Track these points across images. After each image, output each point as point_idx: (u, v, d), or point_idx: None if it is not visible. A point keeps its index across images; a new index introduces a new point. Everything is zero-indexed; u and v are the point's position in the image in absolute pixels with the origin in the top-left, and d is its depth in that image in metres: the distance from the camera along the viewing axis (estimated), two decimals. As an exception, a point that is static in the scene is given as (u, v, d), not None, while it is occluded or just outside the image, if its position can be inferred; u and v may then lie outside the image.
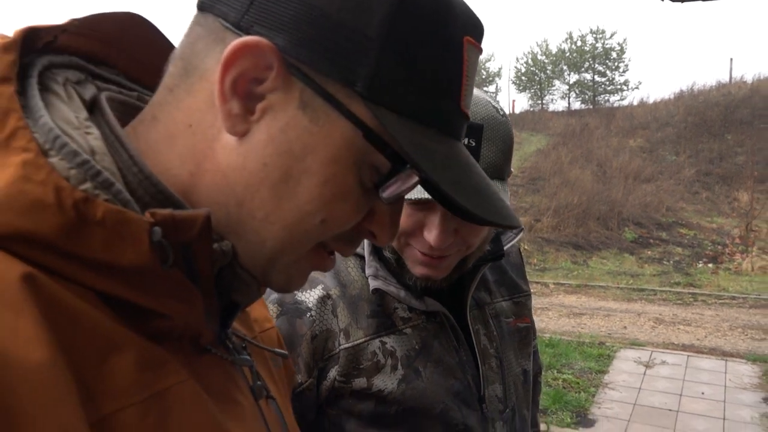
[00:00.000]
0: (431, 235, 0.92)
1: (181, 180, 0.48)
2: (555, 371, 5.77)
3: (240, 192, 0.47)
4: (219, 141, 0.47)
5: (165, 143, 0.48)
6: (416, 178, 0.49)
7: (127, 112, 0.53)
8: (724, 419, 4.76)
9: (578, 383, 5.50)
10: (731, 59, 24.60)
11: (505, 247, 1.11)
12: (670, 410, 4.94)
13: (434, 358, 1.01)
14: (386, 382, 0.97)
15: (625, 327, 7.45)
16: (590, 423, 4.76)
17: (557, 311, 8.30)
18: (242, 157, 0.46)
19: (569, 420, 4.75)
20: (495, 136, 0.93)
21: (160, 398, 0.42)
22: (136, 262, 0.41)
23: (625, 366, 6.00)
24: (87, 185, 0.41)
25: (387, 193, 0.49)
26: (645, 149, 17.62)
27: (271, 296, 0.98)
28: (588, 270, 11.19)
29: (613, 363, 6.07)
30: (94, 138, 0.44)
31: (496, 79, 29.88)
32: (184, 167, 0.48)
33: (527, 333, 1.19)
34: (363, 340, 0.98)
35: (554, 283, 10.06)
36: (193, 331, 0.48)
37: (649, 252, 12.01)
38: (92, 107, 0.49)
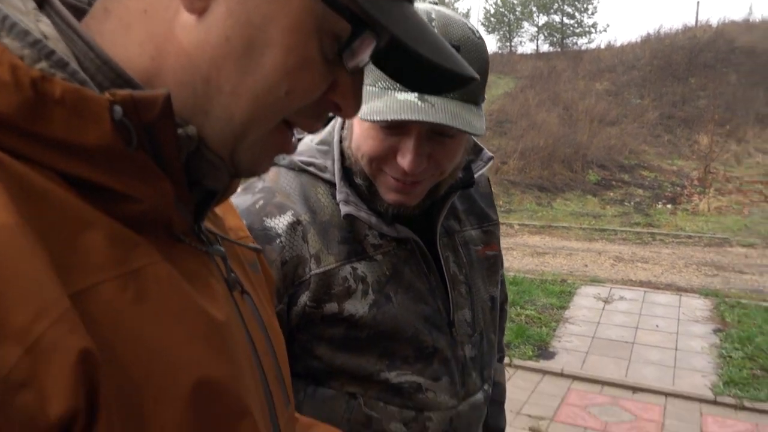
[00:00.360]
0: (405, 159, 0.91)
1: (144, 66, 0.47)
2: (518, 308, 5.95)
3: (205, 68, 0.47)
4: (178, 21, 0.46)
5: (121, 32, 0.47)
6: (375, 42, 0.49)
7: (79, 18, 0.51)
8: (676, 350, 5.02)
9: (540, 318, 5.70)
10: (698, 2, 24.66)
11: (475, 175, 1.11)
12: (626, 342, 5.18)
13: (405, 284, 1.02)
14: (357, 306, 0.97)
15: (586, 265, 7.70)
16: (551, 355, 4.96)
17: (521, 251, 8.50)
18: (203, 34, 0.46)
19: (531, 353, 4.94)
20: (471, 58, 0.91)
21: (136, 276, 0.42)
22: (100, 142, 0.41)
23: (585, 302, 6.23)
24: (42, 64, 0.40)
25: (349, 58, 0.50)
26: (611, 92, 17.75)
27: None
28: (552, 211, 11.42)
29: (573, 299, 6.30)
30: (45, 25, 0.43)
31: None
32: (145, 53, 0.47)
33: (495, 261, 1.20)
34: (334, 265, 0.97)
35: (519, 224, 10.26)
36: (164, 218, 0.47)
37: (611, 193, 12.29)
38: (42, 3, 0.47)
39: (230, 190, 0.57)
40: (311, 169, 1.03)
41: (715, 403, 4.12)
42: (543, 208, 11.66)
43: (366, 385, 1.00)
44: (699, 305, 6.05)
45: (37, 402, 0.34)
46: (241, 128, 0.49)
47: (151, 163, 0.44)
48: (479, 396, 1.09)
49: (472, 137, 1.08)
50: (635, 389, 4.32)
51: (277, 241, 0.96)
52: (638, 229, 9.70)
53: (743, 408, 4.03)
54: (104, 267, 0.40)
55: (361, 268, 0.99)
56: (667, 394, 4.24)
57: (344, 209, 0.97)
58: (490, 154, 1.16)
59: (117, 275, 0.41)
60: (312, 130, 0.55)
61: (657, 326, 5.51)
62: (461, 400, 1.05)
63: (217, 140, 0.49)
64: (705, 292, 6.40)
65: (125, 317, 0.41)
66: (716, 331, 5.38)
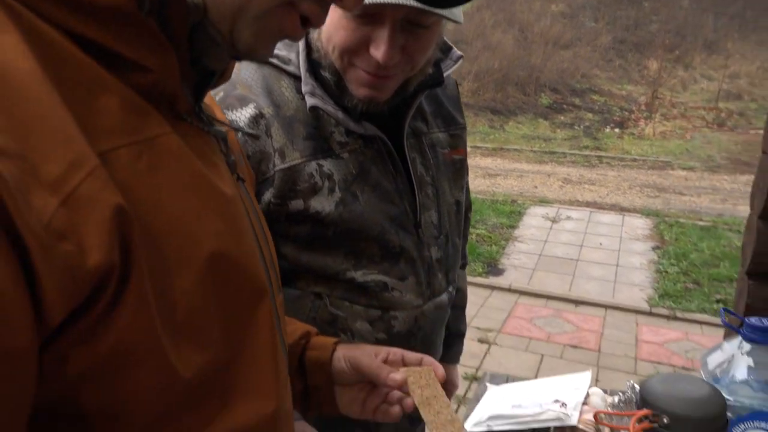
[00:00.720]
0: (379, 51, 0.87)
1: None
2: (470, 227, 6.08)
3: None
4: None
5: None
6: None
7: None
8: (617, 266, 5.28)
9: (491, 237, 5.85)
10: None
11: (444, 74, 1.07)
12: (571, 259, 5.41)
13: (371, 183, 0.99)
14: (323, 204, 0.95)
15: (535, 186, 7.87)
16: (499, 272, 5.14)
17: (474, 172, 8.58)
18: None
19: (481, 270, 5.10)
20: None
21: (149, 145, 0.42)
22: (113, 2, 0.40)
23: (533, 221, 6.42)
24: None
25: None
26: (566, 14, 17.58)
27: None
28: (504, 134, 11.51)
29: (523, 219, 6.47)
30: None
31: (422, -69, 28.08)
32: None
33: (461, 165, 1.19)
34: (299, 161, 0.94)
35: (471, 146, 10.31)
36: (169, 94, 0.46)
37: (562, 117, 12.43)
38: None
39: (227, 73, 0.56)
40: (274, 60, 0.97)
41: (650, 314, 4.39)
42: (495, 130, 11.72)
43: (332, 284, 0.99)
44: (640, 224, 6.33)
45: (77, 253, 0.34)
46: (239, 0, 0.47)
47: (160, 33, 0.43)
48: (444, 297, 1.11)
49: (443, 37, 1.03)
50: (578, 302, 4.54)
51: (239, 134, 0.91)
52: (586, 152, 9.92)
53: (675, 318, 4.32)
54: (119, 133, 0.40)
55: (327, 165, 0.96)
56: (606, 307, 4.48)
57: (310, 101, 0.92)
58: (459, 53, 1.12)
59: (131, 142, 0.40)
60: (317, 22, 0.52)
61: (600, 244, 5.75)
62: (426, 300, 1.06)
63: (217, 13, 0.47)
64: (646, 212, 6.68)
65: (142, 185, 0.40)
66: (655, 248, 5.66)
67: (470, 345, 3.81)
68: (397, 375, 0.77)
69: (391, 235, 1.00)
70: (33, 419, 0.36)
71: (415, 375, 0.79)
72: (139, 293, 0.38)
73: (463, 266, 1.35)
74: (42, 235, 0.32)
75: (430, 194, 1.08)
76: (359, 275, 0.99)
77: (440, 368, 0.82)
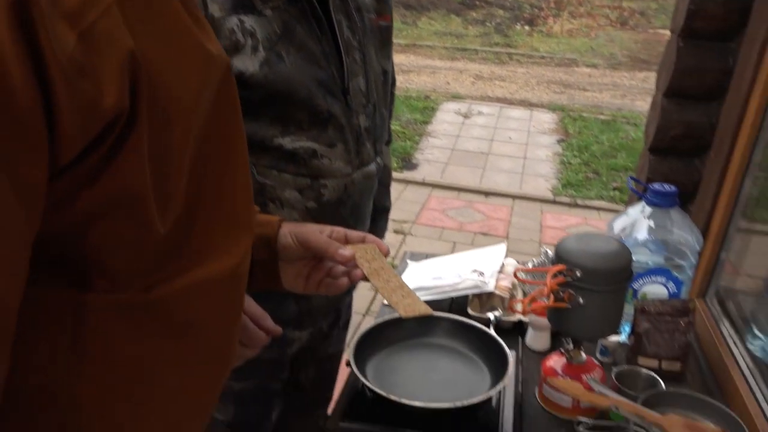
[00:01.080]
0: None
1: None
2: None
3: None
4: None
5: None
6: None
7: None
8: (525, 158, 5.50)
9: (405, 133, 5.88)
10: None
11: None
12: (482, 153, 5.57)
13: (297, 44, 0.94)
14: (247, 63, 0.89)
15: (448, 83, 7.89)
16: (413, 166, 5.22)
17: (387, 68, 8.45)
18: None
19: (395, 165, 5.15)
20: None
21: None
22: None
23: (446, 117, 6.49)
24: None
25: None
26: None
27: None
28: (417, 30, 11.29)
29: (436, 114, 6.53)
30: None
31: None
32: None
33: (388, 33, 1.16)
34: (218, 15, 0.87)
35: (384, 42, 10.08)
36: None
37: (474, 14, 12.31)
38: None
39: None
40: None
41: (554, 202, 4.66)
42: (408, 26, 11.47)
43: (259, 153, 0.96)
44: (547, 119, 6.56)
45: (94, 92, 0.34)
46: None
47: None
48: (372, 167, 1.10)
49: None
50: (488, 194, 4.74)
51: None
52: (497, 49, 9.98)
53: (576, 205, 4.62)
54: None
55: (249, 21, 0.89)
56: (514, 197, 4.71)
57: None
58: None
59: None
60: None
61: (510, 138, 5.94)
62: (355, 168, 1.05)
63: None
64: (553, 107, 6.92)
65: (138, 33, 0.37)
66: (560, 141, 5.93)
67: (386, 236, 3.93)
68: (345, 250, 0.79)
69: (318, 100, 0.97)
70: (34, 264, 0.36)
71: (361, 251, 0.82)
72: (138, 142, 0.38)
73: (388, 143, 1.35)
74: (66, 68, 0.31)
75: (358, 60, 1.04)
76: (287, 142, 0.96)
77: (384, 245, 0.85)
